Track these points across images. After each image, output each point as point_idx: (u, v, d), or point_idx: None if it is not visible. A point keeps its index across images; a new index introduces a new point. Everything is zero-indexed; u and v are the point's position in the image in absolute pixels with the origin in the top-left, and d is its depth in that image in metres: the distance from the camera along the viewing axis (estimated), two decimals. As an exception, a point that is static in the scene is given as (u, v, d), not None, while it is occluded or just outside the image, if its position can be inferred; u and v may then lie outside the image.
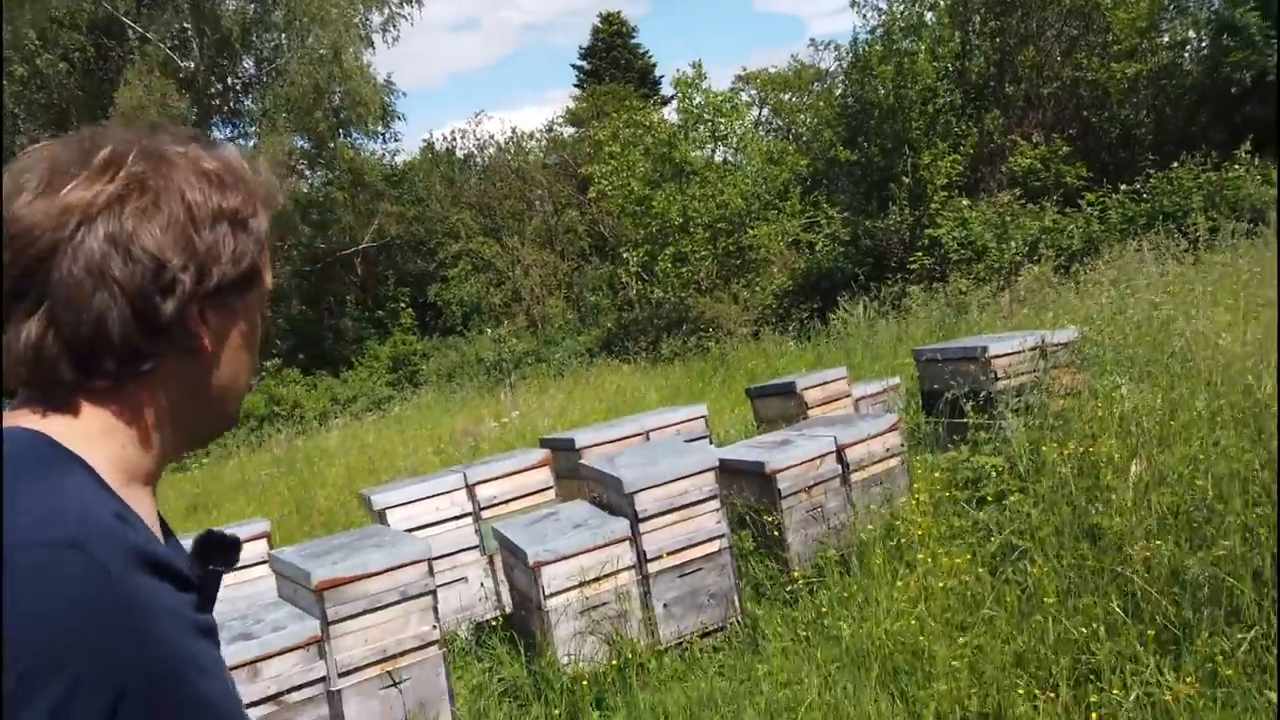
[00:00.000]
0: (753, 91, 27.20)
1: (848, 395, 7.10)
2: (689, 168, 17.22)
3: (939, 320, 12.25)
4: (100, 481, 0.81)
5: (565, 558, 4.40)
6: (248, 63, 24.13)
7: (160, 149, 0.86)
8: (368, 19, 24.69)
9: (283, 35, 22.94)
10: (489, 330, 23.71)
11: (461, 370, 20.60)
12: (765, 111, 27.33)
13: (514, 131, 30.51)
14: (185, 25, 22.29)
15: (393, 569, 3.88)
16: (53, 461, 0.79)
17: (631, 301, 18.63)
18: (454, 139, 30.44)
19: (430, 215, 27.47)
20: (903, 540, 5.03)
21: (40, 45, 20.98)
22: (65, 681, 0.70)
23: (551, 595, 4.36)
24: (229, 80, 24.23)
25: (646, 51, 35.59)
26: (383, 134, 28.20)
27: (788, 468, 5.18)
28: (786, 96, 26.11)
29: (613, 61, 35.59)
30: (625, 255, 20.32)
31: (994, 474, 5.37)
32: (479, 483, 5.38)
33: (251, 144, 22.95)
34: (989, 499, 5.17)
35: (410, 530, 5.20)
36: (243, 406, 1.02)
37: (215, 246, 0.85)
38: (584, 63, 36.61)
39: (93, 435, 0.83)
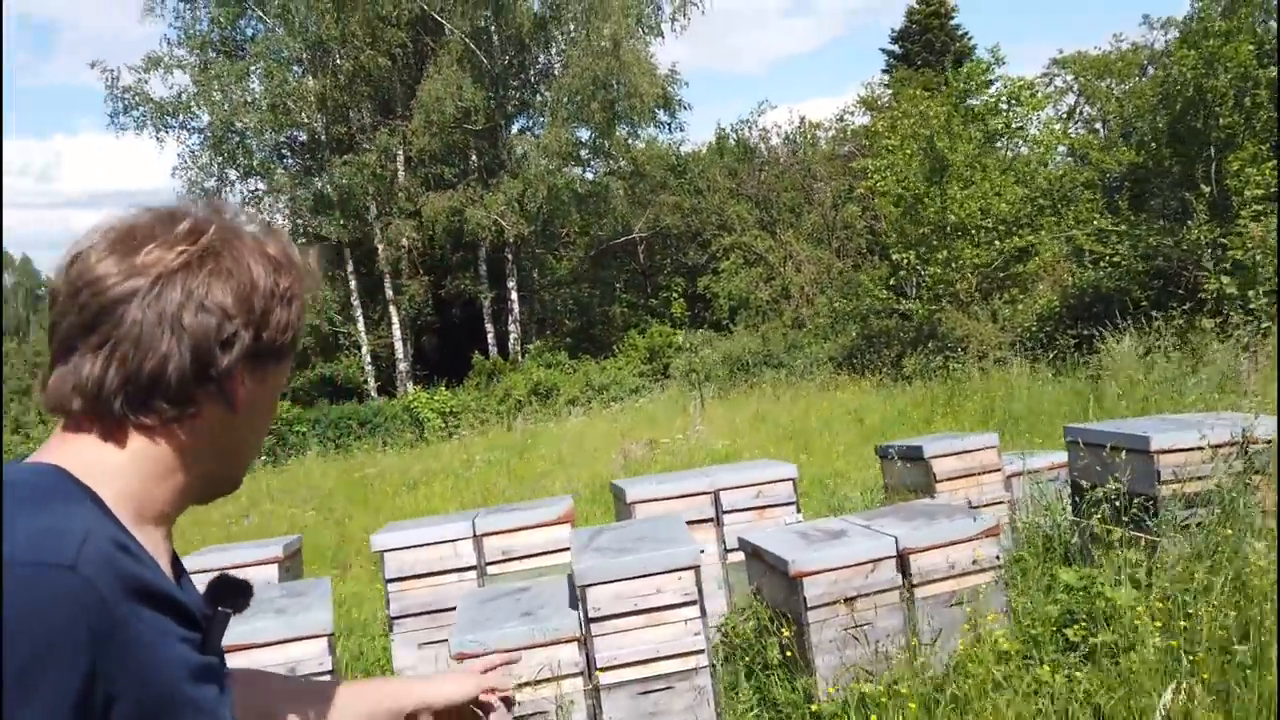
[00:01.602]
0: (1068, 77, 24.11)
1: (996, 470, 5.73)
2: (948, 163, 15.42)
3: (1229, 367, 9.94)
4: (110, 515, 0.86)
5: (496, 652, 3.76)
6: (541, 56, 25.15)
7: (235, 227, 0.97)
8: (659, 9, 24.84)
9: (571, 27, 23.62)
10: (737, 327, 23.10)
11: (712, 367, 20.17)
12: (1078, 100, 24.15)
13: (802, 121, 29.47)
14: (487, 19, 23.62)
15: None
16: (64, 494, 0.85)
17: (885, 310, 17.14)
18: (742, 129, 29.88)
19: (706, 206, 27.25)
20: (961, 688, 3.87)
21: (368, 42, 23.17)
22: (47, 692, 0.74)
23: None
24: (526, 74, 25.39)
25: (966, 33, 32.73)
26: (667, 123, 28.42)
27: (819, 571, 4.14)
28: (1105, 83, 22.82)
29: (926, 45, 33.16)
30: (896, 257, 18.77)
31: (1119, 616, 3.98)
32: (489, 534, 4.86)
33: (540, 133, 23.92)
34: (1101, 650, 3.84)
35: (404, 580, 4.81)
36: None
37: (269, 314, 0.94)
38: (895, 46, 34.49)
39: (116, 469, 0.89)
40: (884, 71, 33.66)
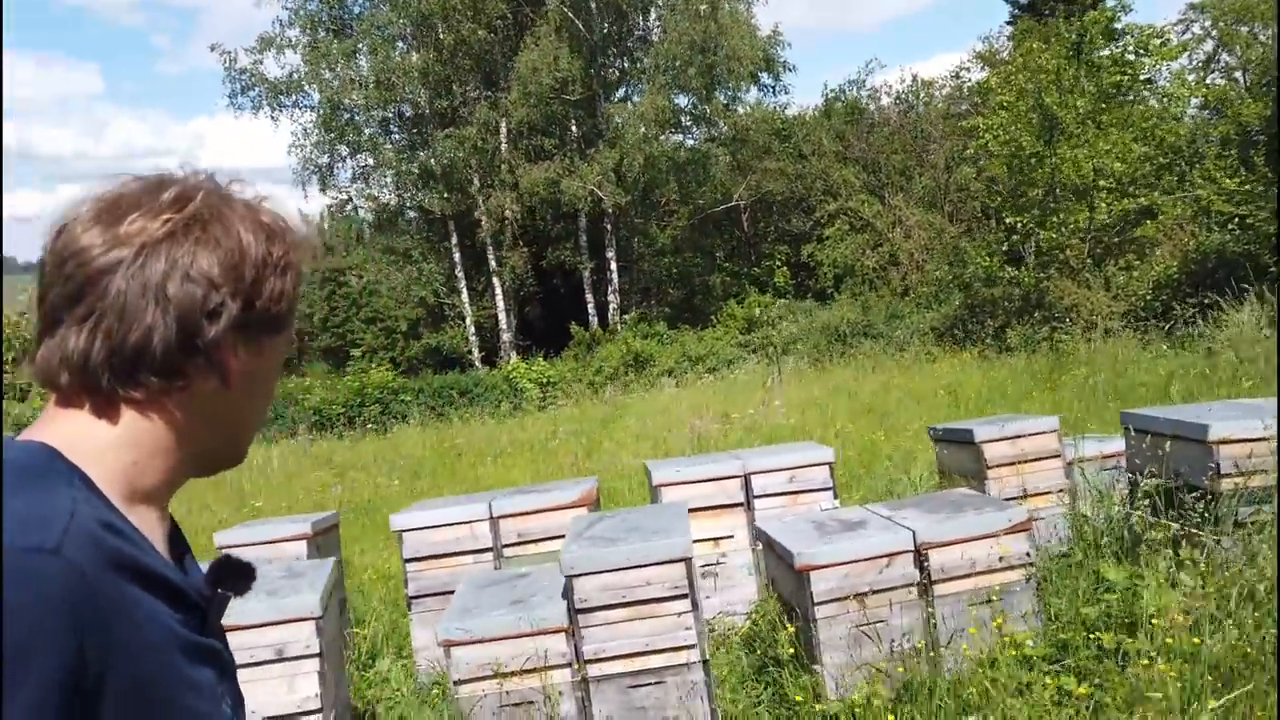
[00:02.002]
0: (1205, 23, 22.29)
1: (1055, 455, 5.31)
2: (1058, 121, 14.45)
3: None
4: (98, 494, 0.85)
5: (480, 641, 3.71)
6: (639, 22, 24.87)
7: (224, 194, 0.94)
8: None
9: (670, -8, 23.26)
10: (839, 295, 22.43)
11: (806, 337, 19.72)
12: (1216, 48, 22.29)
13: (914, 80, 28.27)
14: (586, -13, 23.50)
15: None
16: (51, 474, 0.84)
17: (990, 278, 16.30)
18: (851, 90, 28.88)
19: (811, 171, 26.51)
20: (977, 692, 3.61)
21: (470, 14, 23.39)
22: (36, 676, 0.74)
23: (461, 682, 3.72)
24: (624, 42, 25.17)
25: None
26: (770, 86, 27.75)
27: (828, 565, 3.93)
28: (1246, 29, 20.97)
29: (1055, -8, 31.21)
30: (1009, 221, 17.81)
31: (1150, 622, 3.63)
32: (505, 516, 4.81)
33: (637, 101, 23.72)
34: (1131, 657, 3.53)
35: (422, 560, 4.82)
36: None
37: (260, 284, 0.91)
38: (1020, -5, 32.55)
39: (107, 446, 0.88)
40: (1007, 23, 31.90)
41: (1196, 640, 3.45)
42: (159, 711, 0.84)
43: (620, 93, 25.47)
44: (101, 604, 0.79)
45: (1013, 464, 5.33)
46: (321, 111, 23.79)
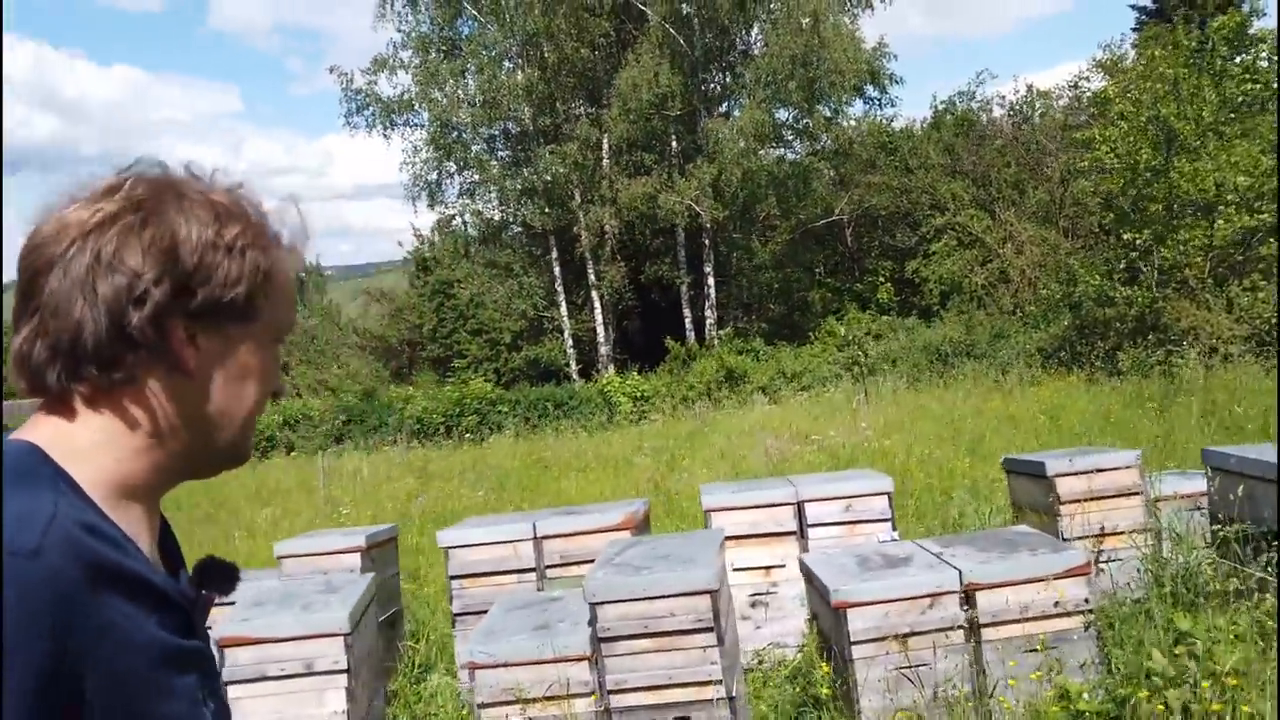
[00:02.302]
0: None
1: (1135, 493, 4.96)
2: (1176, 133, 13.66)
3: None
4: (81, 495, 0.84)
5: (504, 665, 3.68)
6: (741, 37, 24.77)
7: (170, 179, 0.91)
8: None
9: (772, 6, 23.07)
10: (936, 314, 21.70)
11: (906, 356, 19.17)
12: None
13: (1029, 90, 27.25)
14: (688, 3, 23.53)
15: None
16: (34, 474, 0.83)
17: (1102, 298, 15.50)
18: (962, 102, 28.05)
19: (917, 185, 25.83)
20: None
21: (573, 33, 23.74)
22: (14, 680, 0.74)
23: (485, 706, 3.69)
24: (725, 57, 25.10)
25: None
26: (876, 99, 27.21)
27: (866, 603, 3.75)
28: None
29: (1184, -4, 29.66)
30: (1127, 237, 16.94)
31: (1222, 680, 3.34)
32: (548, 537, 4.78)
33: (736, 116, 23.59)
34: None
35: (466, 577, 4.83)
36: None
37: (203, 269, 0.87)
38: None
39: (83, 448, 0.87)
40: (1133, 29, 30.47)
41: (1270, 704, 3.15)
42: (138, 714, 0.83)
43: (721, 108, 25.37)
44: (78, 607, 0.78)
45: (1088, 500, 5.01)
46: (430, 130, 24.49)
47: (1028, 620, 3.77)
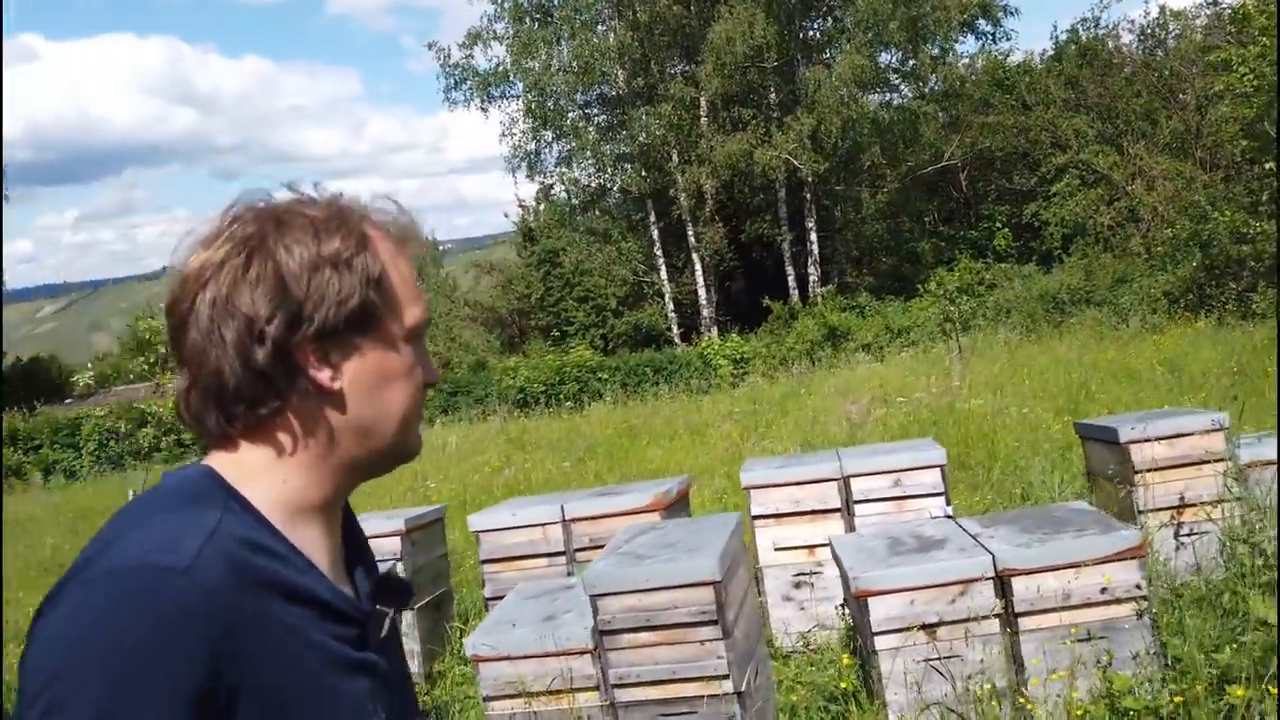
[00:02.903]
0: None
1: (1220, 459, 4.43)
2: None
3: None
4: (253, 514, 0.90)
5: (507, 658, 3.57)
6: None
7: (270, 208, 0.95)
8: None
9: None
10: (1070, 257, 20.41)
11: (1020, 307, 18.16)
12: None
13: (1161, 11, 25.19)
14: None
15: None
16: (204, 496, 0.89)
17: (1236, 235, 14.22)
18: (1085, 30, 26.18)
19: (1036, 123, 24.30)
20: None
21: (666, -10, 23.26)
22: (162, 688, 0.78)
23: (490, 699, 3.60)
24: (825, 1, 24.13)
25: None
26: (990, 34, 25.72)
27: (889, 591, 3.46)
28: None
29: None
30: (1269, 166, 15.48)
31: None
32: (577, 519, 4.63)
33: (830, 66, 22.68)
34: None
35: (497, 561, 4.75)
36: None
37: (315, 292, 0.90)
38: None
39: (254, 472, 0.92)
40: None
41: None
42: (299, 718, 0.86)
43: (822, 56, 24.45)
44: (234, 619, 0.81)
45: (1170, 468, 4.52)
46: (526, 100, 24.51)
47: (1070, 609, 3.41)
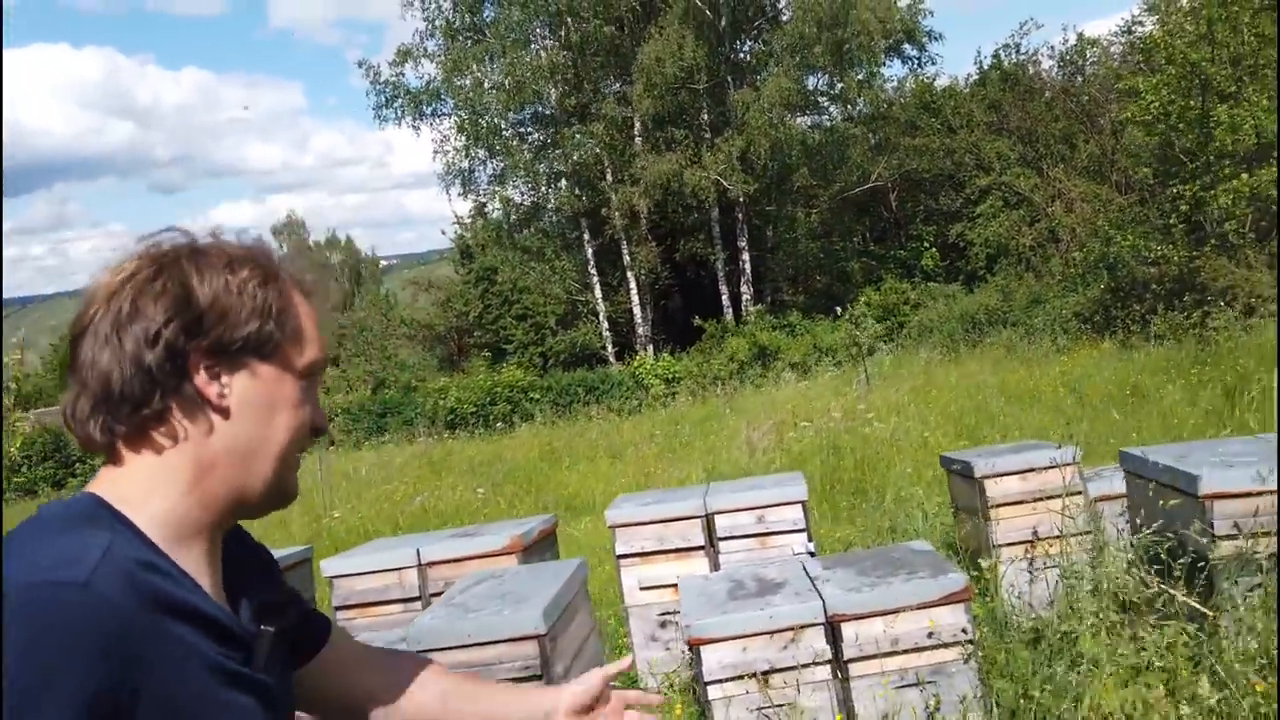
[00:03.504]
0: None
1: (1077, 491, 4.52)
2: (1207, 77, 12.73)
3: None
4: (140, 537, 0.91)
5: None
6: (769, 4, 24.05)
7: (191, 239, 0.99)
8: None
9: (797, -32, 22.31)
10: (1002, 276, 20.83)
11: (942, 328, 18.49)
12: None
13: (1079, 39, 25.92)
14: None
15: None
16: (93, 517, 0.91)
17: (1140, 258, 14.62)
18: (1007, 56, 26.84)
19: (960, 145, 24.83)
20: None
21: (599, 9, 23.34)
22: (61, 696, 0.79)
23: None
24: (751, 24, 24.41)
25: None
26: (915, 58, 26.25)
27: (722, 639, 3.46)
28: None
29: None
30: (1174, 190, 15.95)
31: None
32: (433, 563, 4.56)
33: (759, 88, 22.92)
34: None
35: (355, 608, 4.66)
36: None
37: (215, 308, 0.94)
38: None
39: (136, 494, 0.94)
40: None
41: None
42: None
43: (753, 78, 24.71)
44: (132, 631, 0.83)
45: (1022, 503, 4.60)
46: (458, 118, 24.40)
47: (898, 654, 3.43)
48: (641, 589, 4.79)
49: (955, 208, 25.11)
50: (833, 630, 3.48)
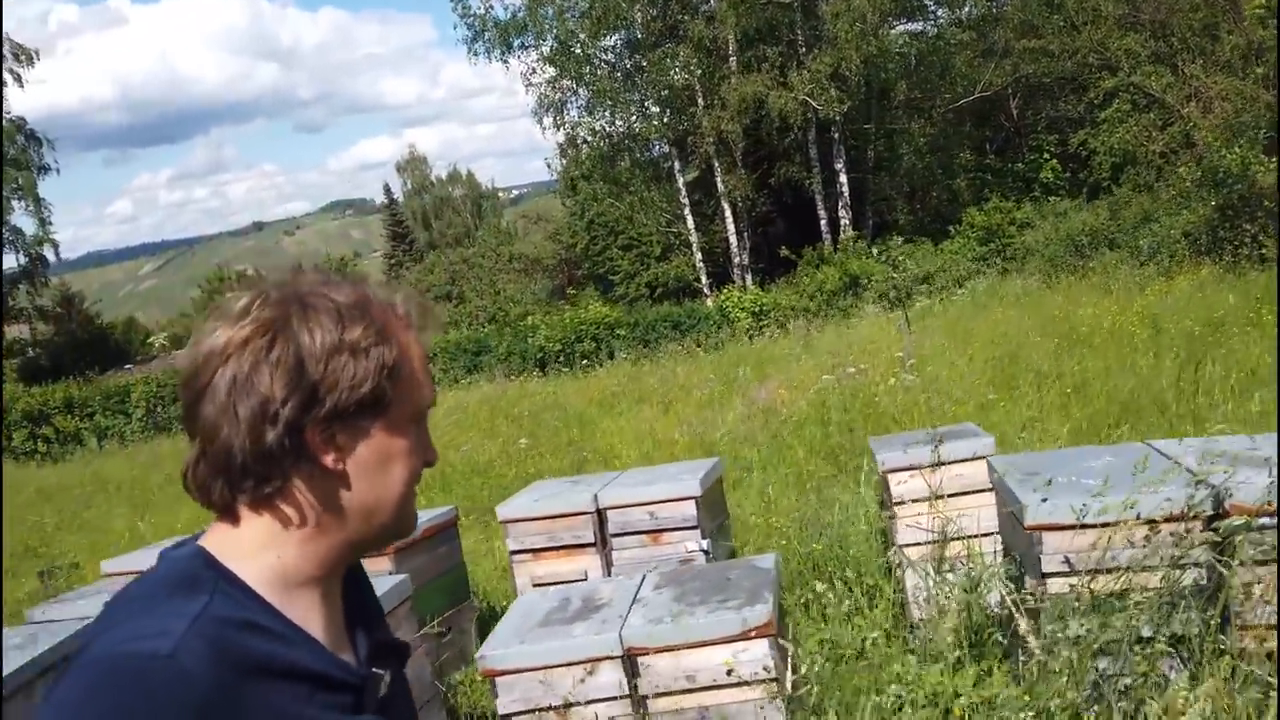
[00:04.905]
0: None
1: (989, 488, 4.02)
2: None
3: None
4: (245, 592, 0.94)
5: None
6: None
7: (296, 290, 0.98)
8: None
9: None
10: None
11: (1045, 250, 17.16)
12: None
13: (1226, -89, 22.92)
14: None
15: None
16: (194, 580, 0.94)
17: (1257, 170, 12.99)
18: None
19: (1082, 45, 22.64)
20: None
21: None
22: None
23: None
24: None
25: None
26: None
27: (516, 671, 3.29)
28: None
29: None
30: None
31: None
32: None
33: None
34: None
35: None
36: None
37: (330, 376, 0.94)
38: None
39: (251, 548, 0.97)
40: None
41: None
42: None
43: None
44: (216, 701, 0.85)
45: (925, 500, 4.18)
46: (547, 48, 24.06)
47: (698, 691, 3.18)
48: (534, 586, 4.65)
49: (1078, 114, 23.06)
50: (632, 664, 3.26)
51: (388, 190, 55.02)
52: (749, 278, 23.61)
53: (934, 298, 17.14)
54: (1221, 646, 2.66)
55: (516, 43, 24.49)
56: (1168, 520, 2.72)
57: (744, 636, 3.15)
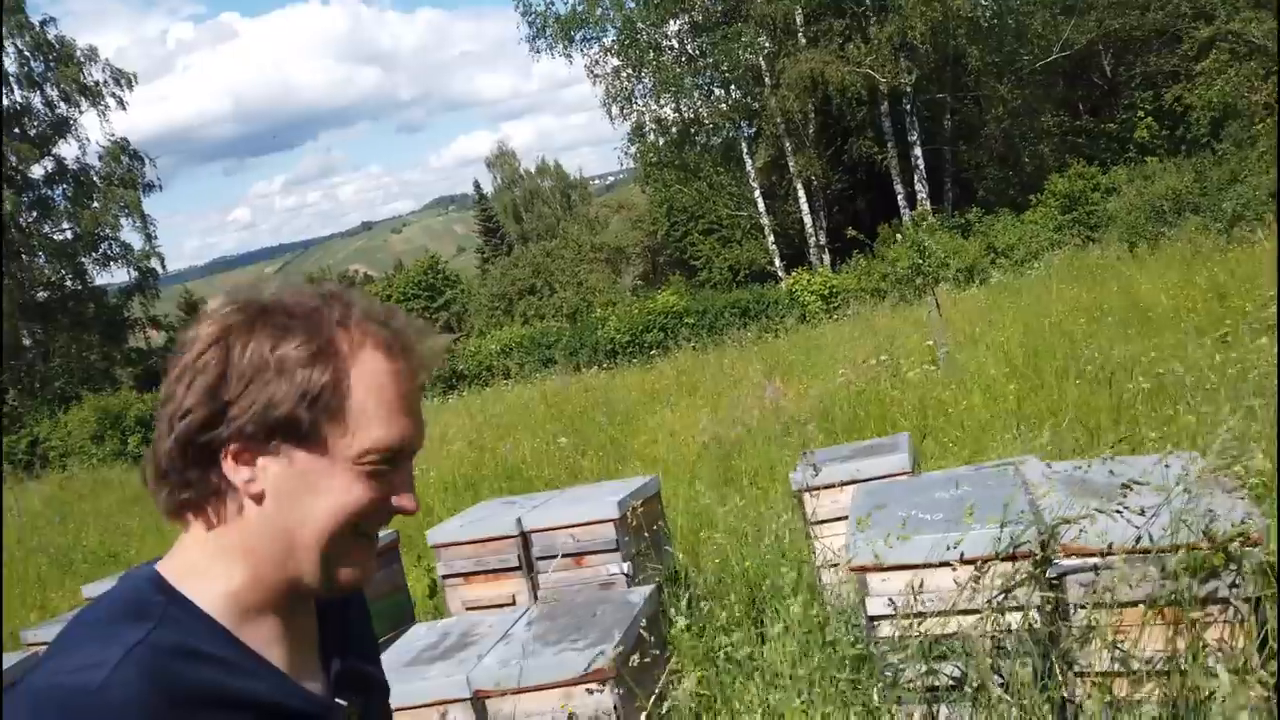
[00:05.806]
0: None
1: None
2: None
3: None
4: (195, 617, 0.92)
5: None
6: None
7: (263, 299, 0.95)
8: None
9: None
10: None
11: (1126, 218, 16.13)
12: None
13: None
14: None
15: None
16: (141, 607, 0.91)
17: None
18: None
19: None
20: None
21: None
22: None
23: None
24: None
25: None
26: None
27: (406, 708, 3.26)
28: None
29: None
30: None
31: None
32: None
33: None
34: None
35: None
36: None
37: (248, 394, 0.91)
38: None
39: (200, 566, 0.95)
40: None
41: None
42: None
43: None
44: None
45: (839, 520, 3.95)
46: (611, 39, 23.97)
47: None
48: (467, 610, 4.62)
49: (1171, 67, 21.62)
50: (481, 707, 3.19)
51: (478, 186, 56.06)
52: (826, 258, 23.06)
53: (1008, 273, 16.37)
54: (1057, 694, 2.42)
55: (578, 36, 24.50)
56: (990, 560, 2.48)
57: (583, 680, 3.04)
